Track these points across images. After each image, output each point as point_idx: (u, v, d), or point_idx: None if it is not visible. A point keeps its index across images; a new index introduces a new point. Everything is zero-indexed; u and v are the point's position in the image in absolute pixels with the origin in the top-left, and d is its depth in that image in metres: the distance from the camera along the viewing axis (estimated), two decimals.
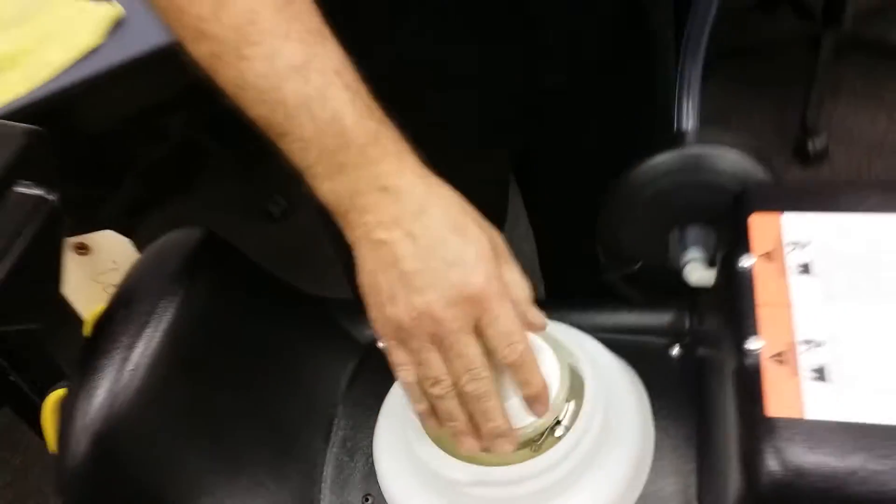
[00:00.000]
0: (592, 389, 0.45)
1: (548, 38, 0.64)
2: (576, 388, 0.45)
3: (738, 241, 0.41)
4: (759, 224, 0.42)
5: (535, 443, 0.44)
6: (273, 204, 1.82)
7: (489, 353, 0.42)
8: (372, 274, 0.43)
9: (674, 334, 0.52)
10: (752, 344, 0.36)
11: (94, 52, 1.03)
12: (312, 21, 0.44)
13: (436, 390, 0.42)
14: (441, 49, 0.61)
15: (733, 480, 0.35)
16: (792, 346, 0.36)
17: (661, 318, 0.53)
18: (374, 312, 0.43)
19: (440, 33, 0.60)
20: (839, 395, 0.34)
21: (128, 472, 0.45)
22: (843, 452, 0.33)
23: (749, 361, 0.36)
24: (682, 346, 0.51)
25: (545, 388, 0.43)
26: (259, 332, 0.52)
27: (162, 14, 0.47)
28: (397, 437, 0.48)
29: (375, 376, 0.53)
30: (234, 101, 0.45)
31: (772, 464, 0.33)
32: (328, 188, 0.43)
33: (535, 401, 0.43)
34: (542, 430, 0.44)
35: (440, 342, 0.41)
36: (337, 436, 0.50)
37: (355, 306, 0.59)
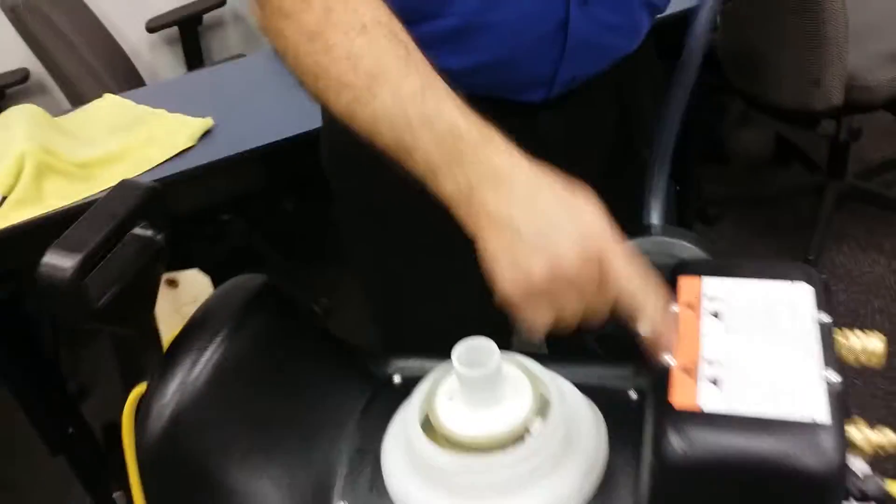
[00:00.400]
0: (557, 408, 0.55)
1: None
2: (543, 409, 0.55)
3: (671, 296, 0.52)
4: (686, 284, 0.53)
5: (509, 445, 0.54)
6: (317, 304, 1.96)
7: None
8: (496, 251, 0.50)
9: (632, 381, 0.62)
10: (668, 359, 0.47)
11: (185, 152, 1.21)
12: (427, 65, 0.56)
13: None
14: None
15: (648, 458, 0.45)
16: (696, 363, 0.46)
17: (623, 370, 0.63)
18: (504, 284, 0.50)
19: None
20: (725, 396, 0.44)
21: (189, 448, 0.55)
22: (725, 431, 0.42)
23: (664, 371, 0.46)
24: (637, 391, 0.61)
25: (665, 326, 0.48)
26: (297, 358, 0.63)
27: (307, 80, 0.59)
28: (400, 443, 0.58)
29: (387, 403, 0.63)
30: (371, 136, 0.56)
31: (674, 439, 0.43)
32: (450, 185, 0.52)
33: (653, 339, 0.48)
34: (514, 436, 0.54)
35: (571, 289, 0.48)
36: (352, 442, 0.61)
37: (379, 353, 0.71)
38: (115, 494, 1.53)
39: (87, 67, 1.62)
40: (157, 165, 1.18)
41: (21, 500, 1.77)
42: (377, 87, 0.54)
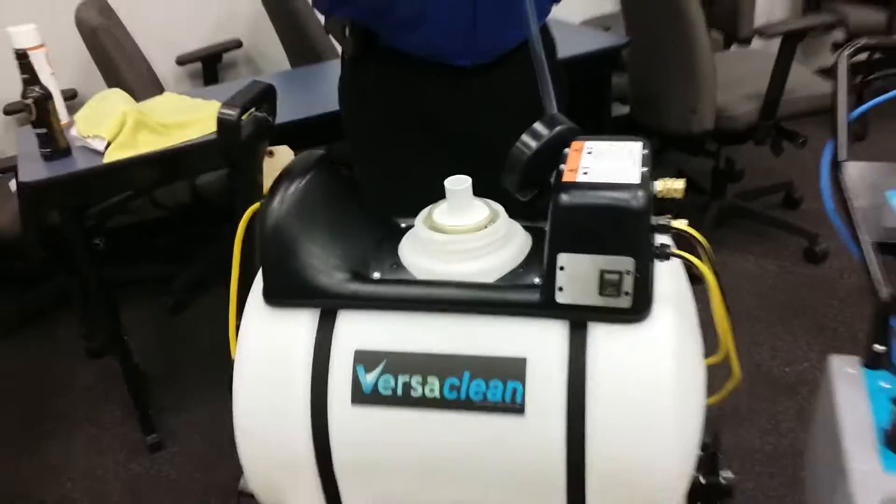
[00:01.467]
0: (502, 220, 0.89)
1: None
2: (494, 219, 0.89)
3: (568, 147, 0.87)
4: (576, 143, 0.87)
5: (475, 232, 0.87)
6: None
7: None
8: None
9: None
10: (562, 166, 0.82)
11: None
12: None
13: None
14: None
15: (550, 211, 0.79)
16: (577, 168, 0.81)
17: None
18: None
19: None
20: (590, 177, 0.79)
21: (286, 232, 0.86)
22: (588, 189, 0.77)
23: (560, 172, 0.81)
24: None
25: None
26: (340, 197, 0.94)
27: None
28: (411, 239, 0.90)
29: (399, 232, 0.95)
30: None
31: (563, 194, 0.77)
32: None
33: None
34: (478, 228, 0.87)
35: None
36: (379, 246, 0.93)
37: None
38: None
39: (142, 77, 1.93)
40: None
41: (72, 404, 2.01)
42: None
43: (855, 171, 0.89)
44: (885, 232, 0.84)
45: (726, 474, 1.09)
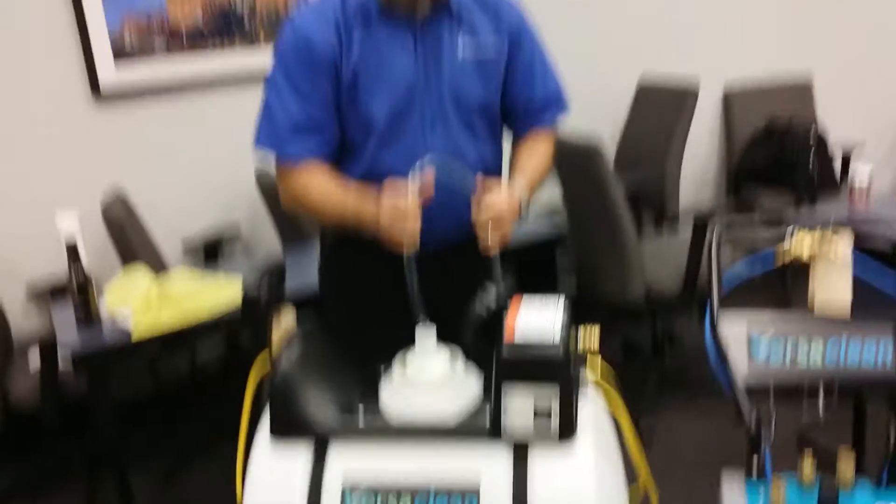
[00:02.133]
0: (460, 363, 1.10)
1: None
2: (454, 362, 1.10)
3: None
4: (515, 300, 1.11)
5: (442, 375, 1.07)
6: None
7: None
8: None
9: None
10: (505, 318, 1.04)
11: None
12: (351, 192, 1.27)
13: None
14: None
15: (495, 361, 1.00)
16: (514, 325, 1.04)
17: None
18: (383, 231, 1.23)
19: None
20: (524, 336, 1.01)
21: (290, 378, 1.06)
22: (523, 348, 0.99)
23: (502, 331, 1.03)
24: None
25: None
26: (332, 354, 1.16)
27: (319, 216, 1.37)
28: (388, 382, 1.11)
29: (379, 380, 1.16)
30: (332, 222, 1.31)
31: (505, 348, 0.99)
32: (360, 221, 1.26)
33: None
34: (443, 370, 1.08)
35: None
36: (363, 388, 1.13)
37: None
38: None
39: (151, 261, 2.17)
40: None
41: None
42: (342, 208, 1.28)
43: (731, 320, 1.13)
44: (751, 374, 1.07)
45: None
